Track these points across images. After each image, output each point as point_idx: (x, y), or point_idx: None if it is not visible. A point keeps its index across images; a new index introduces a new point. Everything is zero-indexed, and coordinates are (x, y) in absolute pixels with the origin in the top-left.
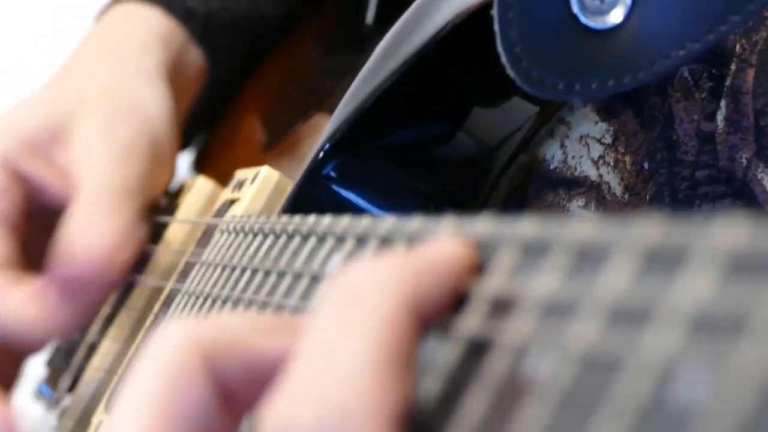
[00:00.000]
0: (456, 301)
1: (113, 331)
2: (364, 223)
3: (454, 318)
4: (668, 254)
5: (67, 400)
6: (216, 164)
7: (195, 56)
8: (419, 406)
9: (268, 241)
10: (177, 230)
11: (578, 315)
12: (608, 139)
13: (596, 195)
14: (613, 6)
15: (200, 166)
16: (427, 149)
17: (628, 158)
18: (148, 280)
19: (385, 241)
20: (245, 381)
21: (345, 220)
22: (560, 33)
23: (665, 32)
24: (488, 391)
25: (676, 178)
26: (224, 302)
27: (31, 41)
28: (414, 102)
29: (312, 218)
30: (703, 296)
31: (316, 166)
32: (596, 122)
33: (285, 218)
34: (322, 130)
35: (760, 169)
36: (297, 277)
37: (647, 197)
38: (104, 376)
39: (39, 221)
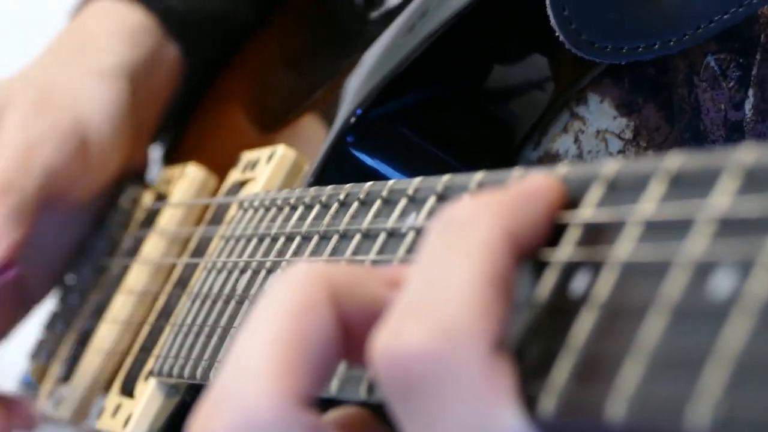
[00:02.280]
0: (552, 232)
1: (111, 314)
2: (441, 180)
3: (550, 249)
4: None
5: (62, 390)
6: (199, 153)
7: (171, 53)
8: (518, 332)
9: (315, 210)
10: (171, 215)
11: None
12: (628, 134)
13: None
14: None
15: (174, 158)
16: (456, 117)
17: (650, 153)
18: (144, 264)
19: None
20: (363, 320)
21: (415, 180)
22: None
23: None
24: (663, 313)
25: None
26: (271, 270)
27: (28, 41)
28: (446, 69)
29: (368, 183)
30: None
31: (344, 133)
32: (615, 117)
33: (329, 188)
34: (334, 104)
35: None
36: (367, 236)
37: None
38: (105, 357)
39: None
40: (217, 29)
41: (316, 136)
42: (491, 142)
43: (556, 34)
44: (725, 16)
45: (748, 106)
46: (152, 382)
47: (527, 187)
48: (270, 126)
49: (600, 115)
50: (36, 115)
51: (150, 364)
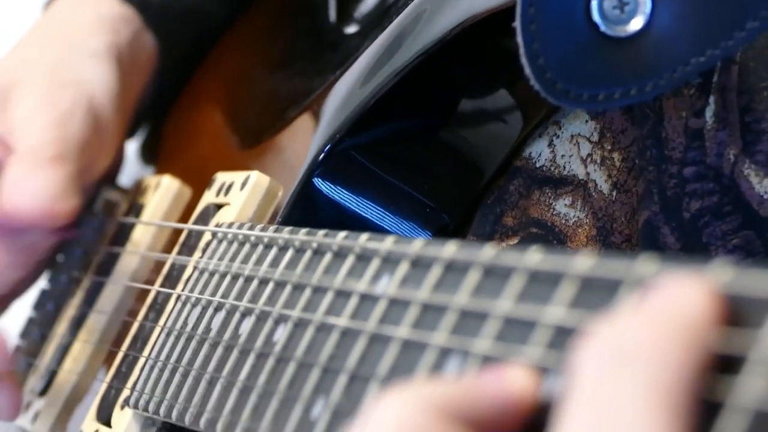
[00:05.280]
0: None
1: (84, 334)
2: (414, 245)
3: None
4: None
5: (39, 404)
6: (176, 159)
7: (148, 42)
8: None
9: (288, 255)
10: (145, 232)
11: None
12: (595, 137)
13: (582, 193)
14: (633, 15)
15: (152, 159)
16: (424, 151)
17: (616, 155)
18: (117, 283)
19: (449, 268)
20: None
21: (388, 241)
22: (582, 43)
23: (685, 40)
24: None
25: (665, 175)
26: (245, 314)
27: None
28: (413, 104)
29: (341, 235)
30: None
31: (313, 168)
32: (586, 121)
33: (303, 233)
34: (307, 131)
35: (746, 165)
36: (340, 294)
37: (637, 194)
38: (78, 378)
39: None
40: (192, 23)
41: (291, 159)
42: (462, 176)
43: (531, 83)
44: (701, 58)
45: (708, 113)
46: (128, 411)
47: (688, 309)
48: (245, 138)
49: (573, 119)
50: (55, 93)
51: (125, 393)
